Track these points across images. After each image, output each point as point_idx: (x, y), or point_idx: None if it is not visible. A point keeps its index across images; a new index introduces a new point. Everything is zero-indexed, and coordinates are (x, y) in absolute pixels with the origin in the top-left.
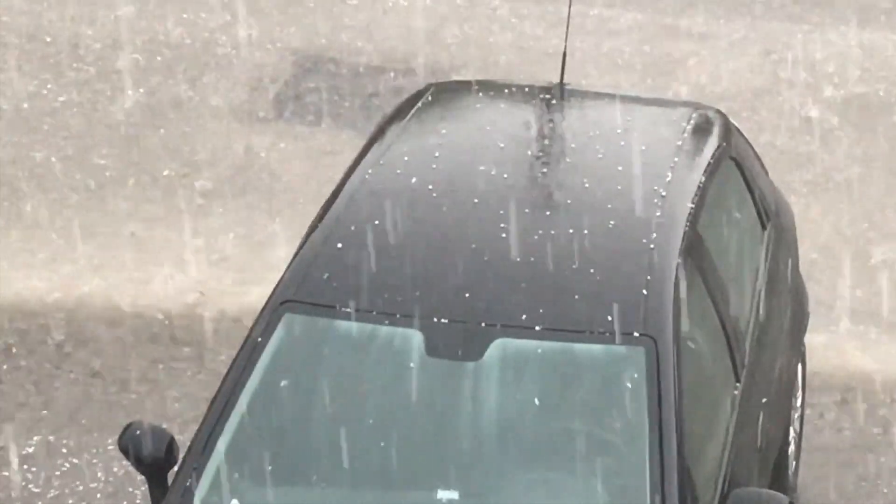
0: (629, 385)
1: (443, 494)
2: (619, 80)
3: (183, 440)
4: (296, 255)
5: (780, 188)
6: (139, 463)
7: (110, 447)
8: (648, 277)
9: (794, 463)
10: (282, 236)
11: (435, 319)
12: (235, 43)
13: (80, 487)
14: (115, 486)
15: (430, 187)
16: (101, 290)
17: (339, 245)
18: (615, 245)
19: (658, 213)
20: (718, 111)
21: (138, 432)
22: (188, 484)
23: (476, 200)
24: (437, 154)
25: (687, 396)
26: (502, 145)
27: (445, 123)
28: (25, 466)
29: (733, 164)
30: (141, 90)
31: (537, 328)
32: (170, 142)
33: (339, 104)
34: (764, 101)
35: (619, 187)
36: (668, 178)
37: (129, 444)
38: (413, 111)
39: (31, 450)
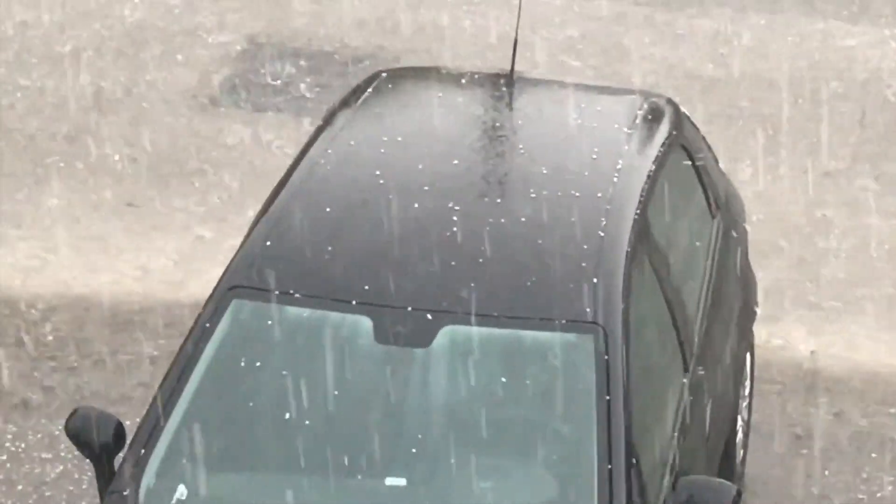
0: (578, 373)
1: (391, 481)
2: (573, 69)
3: (131, 426)
4: (244, 240)
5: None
6: (86, 448)
7: None
8: (598, 265)
9: (741, 452)
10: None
11: (384, 306)
12: (187, 28)
13: None
14: None
15: (379, 174)
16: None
17: (288, 231)
18: (565, 233)
19: (608, 201)
20: (669, 100)
21: (85, 417)
22: (135, 470)
23: (426, 188)
24: (386, 141)
25: (635, 384)
26: (452, 133)
27: (395, 111)
28: None
29: (683, 152)
30: (92, 76)
31: (486, 315)
32: (119, 127)
33: (290, 90)
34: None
35: (570, 175)
36: (619, 166)
37: (76, 429)
38: (363, 98)
39: None
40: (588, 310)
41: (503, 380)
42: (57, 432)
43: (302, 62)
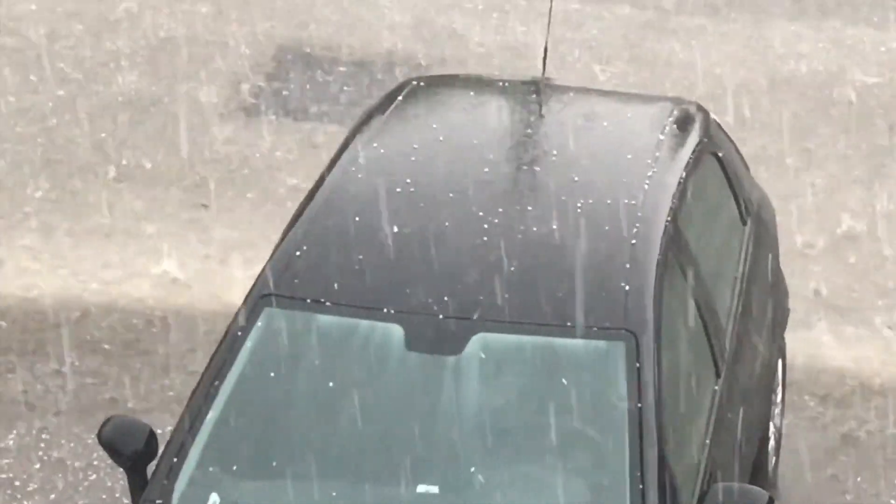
0: (609, 380)
1: (423, 488)
2: (603, 75)
3: (163, 434)
4: (276, 248)
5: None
6: (119, 456)
7: None
8: (629, 272)
9: (774, 458)
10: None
11: (415, 314)
12: (218, 39)
13: None
14: None
15: (410, 182)
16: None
17: (319, 239)
18: (597, 240)
19: (639, 208)
20: (700, 106)
21: (118, 425)
22: (168, 477)
23: (457, 195)
24: (417, 149)
25: (667, 391)
26: (483, 140)
27: (426, 118)
28: None
29: (714, 158)
30: (124, 83)
31: (517, 323)
32: (150, 135)
33: (321, 98)
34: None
35: (601, 182)
36: (650, 173)
37: (110, 438)
38: (393, 106)
39: None
40: (619, 317)
41: (534, 387)
42: None
43: (333, 70)
